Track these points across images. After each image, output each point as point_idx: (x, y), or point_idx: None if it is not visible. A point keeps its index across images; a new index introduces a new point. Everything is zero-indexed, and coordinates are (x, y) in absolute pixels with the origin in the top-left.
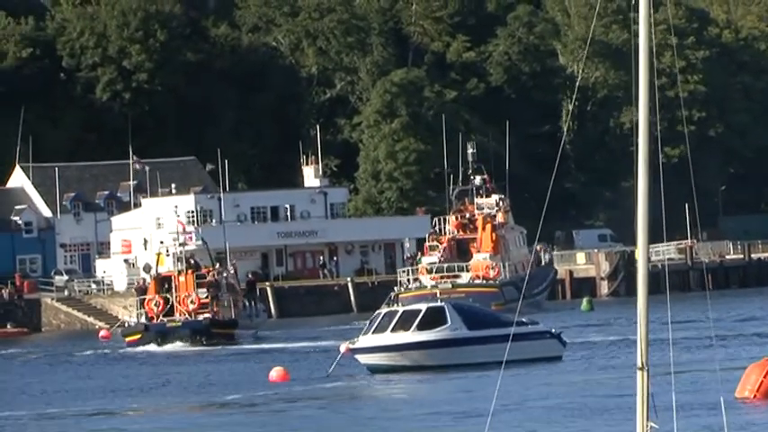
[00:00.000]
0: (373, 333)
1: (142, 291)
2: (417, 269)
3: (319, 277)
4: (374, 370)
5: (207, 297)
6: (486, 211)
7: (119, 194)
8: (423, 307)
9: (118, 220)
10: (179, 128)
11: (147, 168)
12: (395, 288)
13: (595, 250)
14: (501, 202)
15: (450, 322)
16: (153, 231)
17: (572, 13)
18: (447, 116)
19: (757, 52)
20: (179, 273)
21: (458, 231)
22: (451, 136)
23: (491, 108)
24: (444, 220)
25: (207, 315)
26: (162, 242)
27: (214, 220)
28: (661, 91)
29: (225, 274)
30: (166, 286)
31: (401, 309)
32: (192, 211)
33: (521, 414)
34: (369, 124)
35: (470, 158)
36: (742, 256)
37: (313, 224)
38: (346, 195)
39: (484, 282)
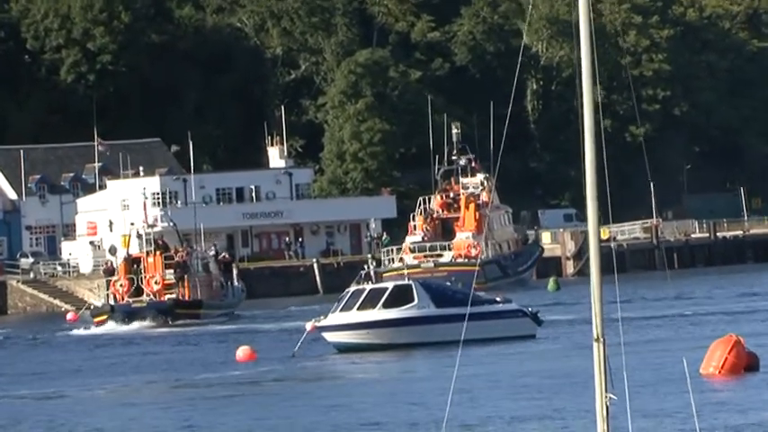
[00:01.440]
0: (341, 311)
1: (110, 272)
2: (401, 248)
3: (285, 258)
4: (341, 348)
5: (174, 278)
6: (471, 190)
7: (84, 176)
8: (390, 285)
9: (83, 202)
10: (144, 109)
11: (108, 152)
12: (364, 267)
13: (561, 230)
14: (486, 182)
15: (417, 300)
16: (118, 213)
17: None
18: (411, 96)
19: (721, 31)
20: (147, 254)
21: (442, 211)
22: (416, 117)
23: (456, 88)
24: (428, 199)
25: (171, 296)
26: (132, 224)
27: (179, 202)
28: (625, 70)
29: (197, 255)
30: (136, 267)
31: (368, 287)
32: (158, 193)
33: (488, 391)
34: (333, 105)
35: (455, 138)
36: (707, 234)
37: (278, 205)
38: (311, 176)
39: (465, 261)
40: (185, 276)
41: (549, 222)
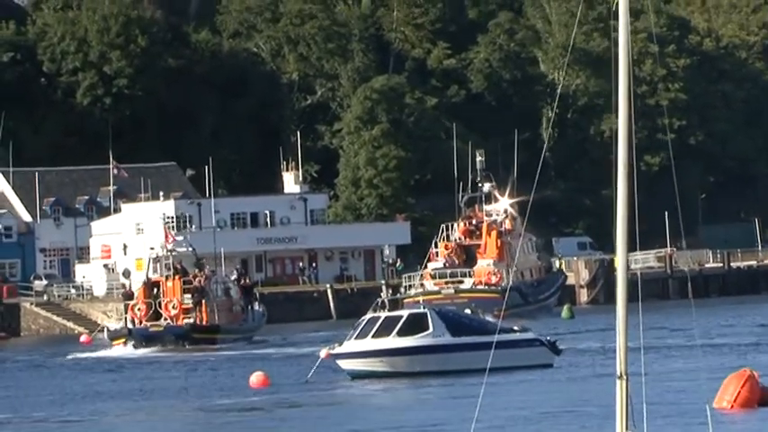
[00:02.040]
0: (356, 339)
1: (129, 296)
2: (422, 275)
3: (299, 283)
4: (355, 375)
5: (191, 302)
6: (494, 217)
7: (99, 199)
8: (405, 313)
9: (97, 225)
10: (159, 133)
11: (125, 174)
12: (381, 294)
13: (575, 258)
14: (508, 210)
15: (432, 328)
16: (132, 237)
17: (553, 21)
18: (427, 123)
19: (738, 60)
20: (166, 278)
21: (464, 238)
22: (432, 143)
23: (471, 115)
24: (450, 226)
25: (189, 320)
26: (152, 248)
27: (194, 226)
28: (642, 99)
29: (217, 279)
30: (155, 291)
31: (384, 314)
32: (173, 217)
33: (502, 420)
34: (349, 131)
35: (479, 166)
36: (721, 264)
37: (293, 230)
38: (326, 202)
39: (486, 288)
40: (203, 301)
41: (563, 250)
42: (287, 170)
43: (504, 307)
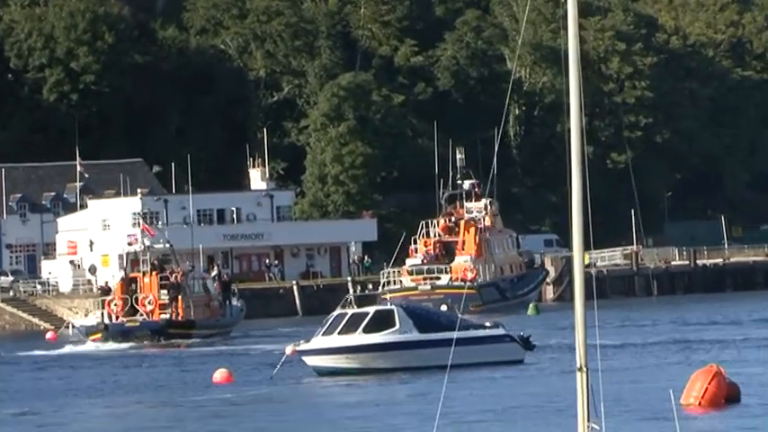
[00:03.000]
0: (322, 335)
1: (105, 291)
2: (399, 271)
3: (265, 280)
4: (321, 372)
5: (167, 298)
6: (475, 214)
7: (65, 195)
8: (371, 310)
9: (64, 222)
10: (126, 129)
11: (86, 175)
12: (349, 291)
13: (541, 255)
14: (489, 206)
15: (398, 325)
16: (99, 233)
17: (520, 19)
18: (393, 120)
19: (705, 59)
20: (143, 274)
21: (444, 234)
22: (398, 140)
23: (438, 112)
24: (430, 223)
25: (165, 316)
26: (130, 243)
27: (160, 222)
28: (608, 96)
29: (195, 275)
30: (132, 287)
31: (350, 311)
32: (139, 213)
33: (469, 416)
34: (316, 128)
35: (459, 163)
36: (687, 262)
37: (259, 227)
38: (293, 198)
39: (462, 284)
40: (179, 296)
41: (530, 247)
42: (253, 167)
43: (479, 303)
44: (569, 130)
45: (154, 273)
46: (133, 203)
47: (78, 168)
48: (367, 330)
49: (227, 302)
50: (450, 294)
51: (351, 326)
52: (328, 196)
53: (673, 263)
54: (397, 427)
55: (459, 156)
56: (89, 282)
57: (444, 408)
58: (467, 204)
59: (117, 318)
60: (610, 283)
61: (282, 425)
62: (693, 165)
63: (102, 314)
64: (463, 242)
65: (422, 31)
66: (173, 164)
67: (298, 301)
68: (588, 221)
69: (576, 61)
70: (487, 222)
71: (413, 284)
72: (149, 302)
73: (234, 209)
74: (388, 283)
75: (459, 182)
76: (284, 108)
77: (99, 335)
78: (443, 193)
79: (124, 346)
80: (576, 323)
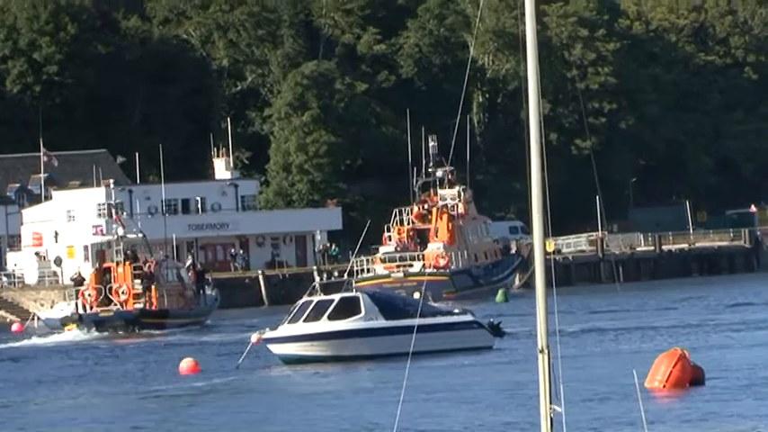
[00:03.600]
0: (288, 323)
1: (79, 282)
2: (372, 259)
3: (230, 270)
4: (286, 360)
5: (141, 288)
6: (448, 201)
7: (29, 187)
8: (336, 297)
9: (29, 213)
10: (90, 120)
11: (55, 162)
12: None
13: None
14: (462, 194)
15: (364, 312)
16: (64, 224)
17: (481, 5)
18: (357, 109)
19: (668, 44)
20: (117, 264)
21: (418, 221)
22: (362, 129)
23: (402, 100)
24: (403, 211)
25: (138, 305)
26: (104, 233)
27: (125, 213)
28: (572, 83)
29: (169, 265)
30: (107, 277)
31: (316, 299)
32: (103, 204)
33: (432, 403)
34: (279, 117)
35: (432, 151)
36: (653, 248)
37: (224, 216)
38: (257, 188)
39: (434, 270)
40: (153, 286)
41: (495, 235)
42: (218, 156)
43: (452, 289)
44: (528, 117)
45: (127, 263)
46: (98, 194)
47: (44, 158)
48: (332, 317)
49: (202, 292)
50: (423, 281)
51: (316, 313)
52: (293, 185)
53: (638, 249)
54: (360, 414)
55: (431, 143)
56: (54, 273)
57: (409, 395)
58: (440, 192)
59: (91, 308)
60: (575, 270)
61: (247, 415)
62: (658, 150)
63: (77, 304)
64: (436, 229)
65: (384, 18)
66: (137, 154)
67: (263, 290)
68: (547, 208)
69: (533, 47)
70: (461, 209)
71: (386, 272)
72: (123, 292)
73: (198, 198)
74: (362, 271)
75: (431, 169)
76: (248, 97)
77: (73, 325)
78: (417, 181)
79: (95, 336)
80: (538, 305)
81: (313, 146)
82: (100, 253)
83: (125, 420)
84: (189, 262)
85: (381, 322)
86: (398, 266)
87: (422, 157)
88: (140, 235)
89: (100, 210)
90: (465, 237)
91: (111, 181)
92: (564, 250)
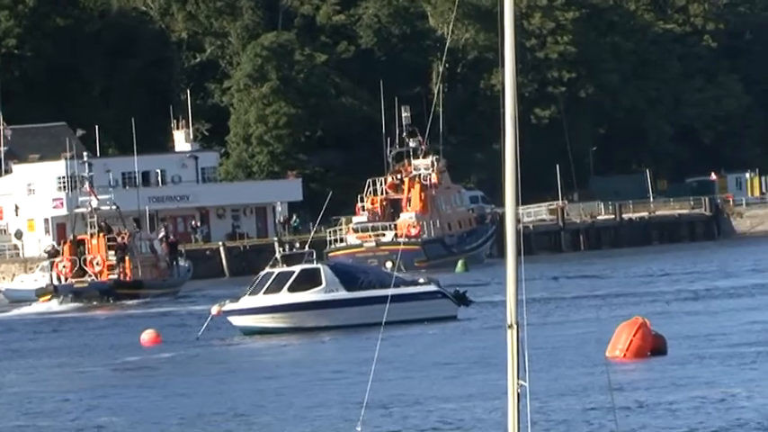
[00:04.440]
0: (249, 295)
1: (53, 254)
2: (344, 229)
3: (191, 242)
4: (247, 332)
5: (115, 259)
6: (422, 171)
7: None
8: (297, 269)
9: None
10: (49, 93)
11: (9, 136)
12: (279, 250)
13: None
14: (436, 163)
15: (324, 283)
16: (24, 198)
17: None
18: (316, 80)
19: (627, 12)
20: (91, 236)
21: (391, 192)
22: (321, 100)
23: (361, 71)
24: (375, 181)
25: (113, 276)
26: (78, 206)
27: (86, 185)
28: (531, 52)
29: (142, 236)
30: (80, 248)
31: (277, 270)
32: (63, 177)
33: (399, 372)
34: (239, 88)
35: (405, 122)
36: (613, 216)
37: (184, 188)
38: (217, 159)
39: (406, 240)
40: (127, 257)
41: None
42: (177, 128)
43: (423, 258)
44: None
45: (101, 234)
46: (58, 167)
47: (4, 132)
48: (292, 289)
49: (175, 263)
50: (395, 251)
51: (276, 285)
52: (253, 157)
53: (598, 217)
54: (317, 385)
55: (404, 114)
56: (15, 247)
57: (370, 365)
58: (414, 162)
59: (66, 279)
60: (536, 239)
61: (205, 386)
62: (617, 119)
63: (51, 275)
64: (408, 199)
65: None
66: (96, 127)
67: (224, 262)
68: (518, 181)
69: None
70: (434, 179)
71: (358, 242)
72: (97, 263)
73: (159, 171)
74: (335, 241)
75: (405, 140)
76: (207, 69)
77: (49, 296)
78: (390, 151)
79: (68, 307)
80: (507, 280)
81: (273, 117)
82: (59, 226)
83: (79, 393)
84: (162, 233)
85: (342, 294)
86: (371, 236)
87: (390, 127)
88: (114, 207)
89: (60, 183)
90: (438, 206)
91: (68, 154)
92: (524, 219)
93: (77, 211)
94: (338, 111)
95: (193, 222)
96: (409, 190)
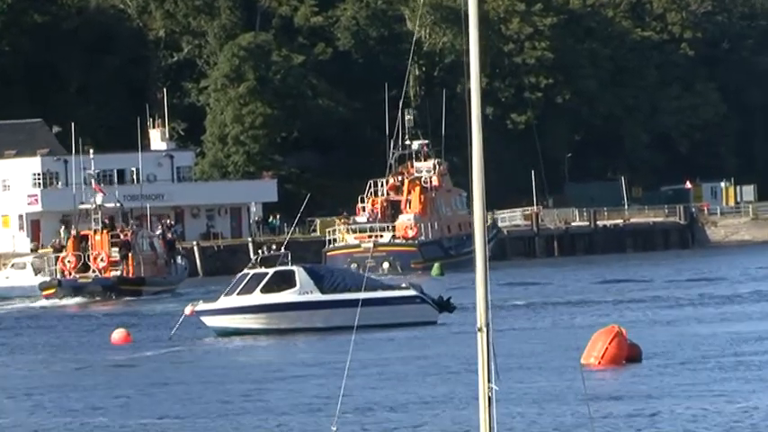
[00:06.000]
0: (224, 296)
1: (58, 249)
2: (340, 229)
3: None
4: (220, 333)
5: (119, 255)
6: (424, 174)
7: None
8: (270, 270)
9: None
10: (26, 90)
11: None
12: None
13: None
14: (437, 166)
15: (299, 285)
16: None
17: None
18: (293, 80)
19: (604, 19)
20: (95, 232)
21: (392, 193)
22: (298, 101)
23: (338, 73)
24: (377, 182)
25: (116, 272)
26: (83, 202)
27: (60, 183)
28: (508, 57)
29: (143, 234)
30: (84, 244)
31: (252, 271)
32: (39, 174)
33: (372, 378)
34: (216, 88)
35: (408, 124)
36: (588, 222)
37: (159, 187)
38: (193, 159)
39: (403, 241)
40: (130, 254)
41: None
42: (153, 127)
43: (420, 260)
44: (469, 92)
45: (105, 231)
46: (33, 164)
47: None
48: (265, 290)
49: (173, 261)
50: (392, 252)
51: (250, 286)
52: (228, 157)
53: (573, 224)
54: (285, 388)
55: (408, 116)
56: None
57: (342, 369)
58: (416, 164)
59: (70, 274)
60: (510, 244)
61: (175, 386)
62: (594, 125)
63: (55, 270)
64: (408, 201)
65: None
66: (72, 124)
67: (198, 261)
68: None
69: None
70: (435, 182)
71: (356, 242)
72: (101, 260)
73: (134, 169)
74: (333, 240)
75: (407, 142)
76: (184, 68)
77: (52, 290)
78: (393, 153)
79: (75, 301)
80: (477, 283)
81: (249, 117)
82: (33, 222)
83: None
84: (159, 231)
85: (316, 296)
86: (369, 236)
87: (367, 129)
88: (118, 204)
89: (35, 179)
90: (437, 208)
91: (46, 150)
92: (499, 224)
93: (82, 207)
94: (315, 112)
95: (168, 221)
96: (409, 192)
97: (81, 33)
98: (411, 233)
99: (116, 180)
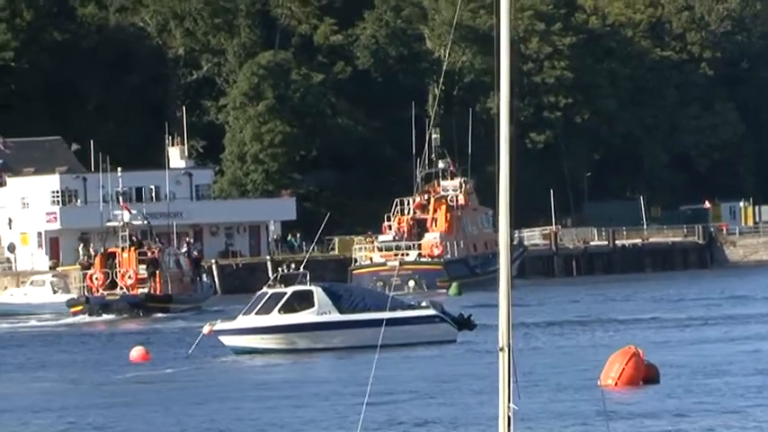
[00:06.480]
0: (243, 315)
1: (86, 266)
2: (368, 247)
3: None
4: (238, 352)
5: (146, 273)
6: (450, 192)
7: None
8: (289, 290)
9: None
10: (45, 107)
11: (8, 151)
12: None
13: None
14: (464, 185)
15: (317, 305)
16: (18, 211)
17: None
18: (313, 99)
19: (624, 39)
20: (122, 250)
21: (418, 212)
22: (317, 119)
23: (357, 92)
24: (403, 201)
25: (144, 290)
26: (110, 220)
27: (79, 200)
28: (528, 76)
29: (170, 252)
30: (111, 262)
31: (270, 291)
32: (58, 192)
33: (392, 396)
34: (235, 106)
35: (434, 143)
36: (606, 242)
37: (178, 205)
38: (212, 177)
39: (429, 260)
40: (157, 272)
41: None
42: (172, 145)
43: (446, 278)
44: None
45: (132, 248)
46: (52, 181)
47: (1, 146)
48: (283, 310)
49: (198, 279)
50: (418, 270)
51: (268, 306)
52: (247, 175)
53: (592, 243)
54: (301, 407)
55: (434, 135)
56: (8, 260)
57: (366, 387)
58: (443, 183)
59: (98, 291)
60: (529, 264)
61: (193, 406)
62: (613, 145)
63: (83, 287)
64: (434, 219)
65: (341, 9)
66: (92, 142)
67: (217, 280)
68: (513, 205)
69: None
70: (461, 200)
71: (382, 260)
72: (129, 277)
73: (153, 187)
74: (357, 259)
75: (434, 161)
76: (203, 86)
77: (80, 307)
78: (420, 172)
79: (103, 318)
80: (500, 302)
81: (268, 136)
82: (53, 240)
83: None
84: (184, 249)
85: (335, 316)
86: (395, 255)
87: (387, 147)
88: (145, 222)
89: (54, 197)
90: (463, 227)
91: (65, 168)
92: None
93: (109, 224)
94: (334, 131)
95: (187, 239)
96: (435, 210)
97: (100, 51)
98: (437, 251)
99: (134, 198)
